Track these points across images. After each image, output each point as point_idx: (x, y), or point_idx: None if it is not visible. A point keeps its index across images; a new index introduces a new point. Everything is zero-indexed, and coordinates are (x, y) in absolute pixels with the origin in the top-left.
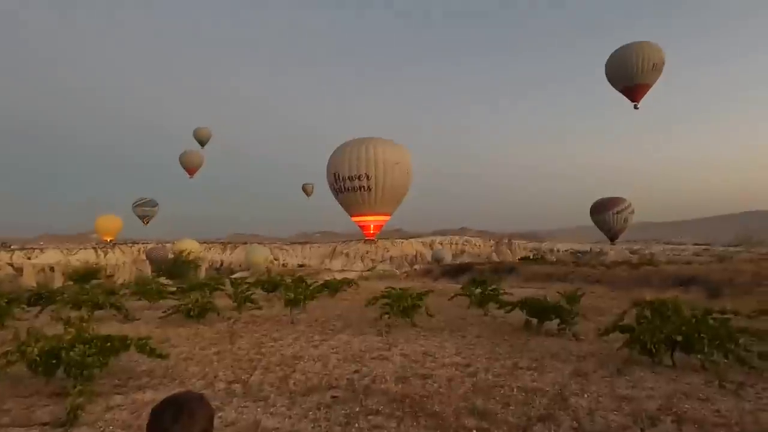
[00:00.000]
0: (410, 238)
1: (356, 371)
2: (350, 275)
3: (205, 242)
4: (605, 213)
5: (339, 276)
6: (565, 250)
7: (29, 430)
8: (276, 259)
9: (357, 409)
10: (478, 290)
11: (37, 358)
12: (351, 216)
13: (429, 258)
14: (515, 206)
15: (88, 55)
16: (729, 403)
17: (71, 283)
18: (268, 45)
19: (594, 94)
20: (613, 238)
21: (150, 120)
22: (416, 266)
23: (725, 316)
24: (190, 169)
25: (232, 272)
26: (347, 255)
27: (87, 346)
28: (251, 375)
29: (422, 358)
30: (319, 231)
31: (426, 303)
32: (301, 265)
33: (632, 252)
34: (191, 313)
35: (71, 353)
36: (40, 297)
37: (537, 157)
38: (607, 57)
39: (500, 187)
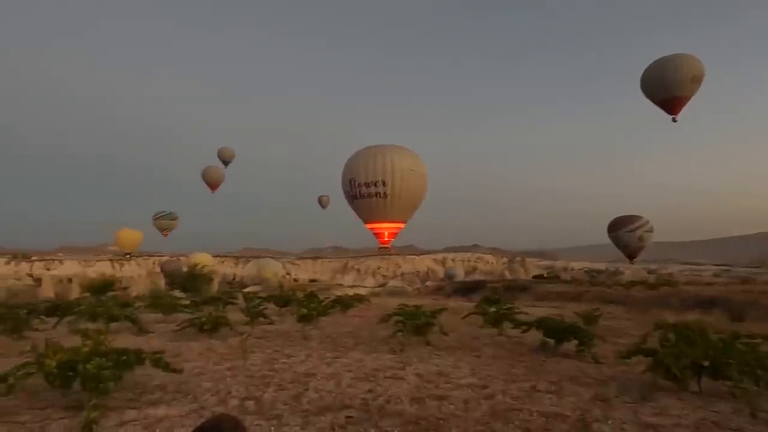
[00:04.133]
0: (422, 254)
1: (370, 390)
2: (361, 291)
3: (218, 256)
4: (620, 230)
5: (350, 291)
6: (580, 269)
7: None
8: (288, 274)
9: (372, 431)
10: (493, 309)
11: (55, 371)
12: (365, 223)
13: (441, 275)
14: (528, 223)
15: (106, 68)
16: None
17: (87, 294)
18: (281, 62)
19: (613, 111)
20: (630, 256)
21: (170, 135)
22: (428, 283)
23: (755, 340)
24: (212, 184)
25: (245, 286)
26: (358, 270)
27: (103, 359)
28: (264, 392)
29: (437, 378)
30: (331, 246)
31: (439, 321)
32: (312, 280)
33: (649, 272)
34: (204, 327)
35: (88, 366)
36: (58, 308)
37: (552, 173)
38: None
39: (513, 204)
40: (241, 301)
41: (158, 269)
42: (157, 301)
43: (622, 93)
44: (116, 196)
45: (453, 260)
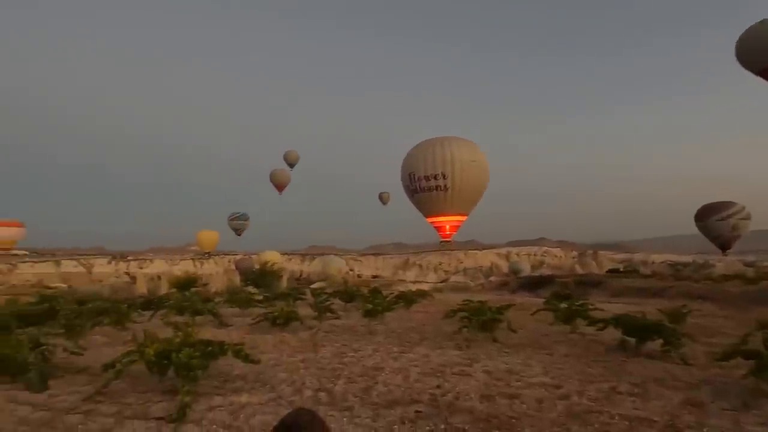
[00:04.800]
0: (484, 249)
1: (438, 386)
2: (423, 287)
3: (285, 253)
4: (710, 219)
5: (412, 287)
6: (662, 262)
7: (147, 423)
8: (351, 270)
9: (442, 427)
10: (564, 305)
11: (153, 359)
12: (426, 217)
13: (505, 270)
14: (600, 214)
15: (182, 72)
16: None
17: (174, 290)
18: (341, 62)
19: (700, 85)
20: (723, 247)
21: (239, 138)
22: (491, 278)
23: None
24: (279, 186)
25: (311, 282)
26: (420, 266)
27: (192, 349)
28: (335, 384)
29: (506, 376)
30: (392, 242)
31: (507, 317)
32: (374, 276)
33: (747, 264)
34: (277, 321)
35: (180, 355)
36: (151, 303)
37: (627, 158)
38: (732, 38)
39: (582, 193)
40: (309, 296)
41: (233, 267)
42: (234, 297)
43: (717, 69)
44: (194, 200)
45: (518, 254)
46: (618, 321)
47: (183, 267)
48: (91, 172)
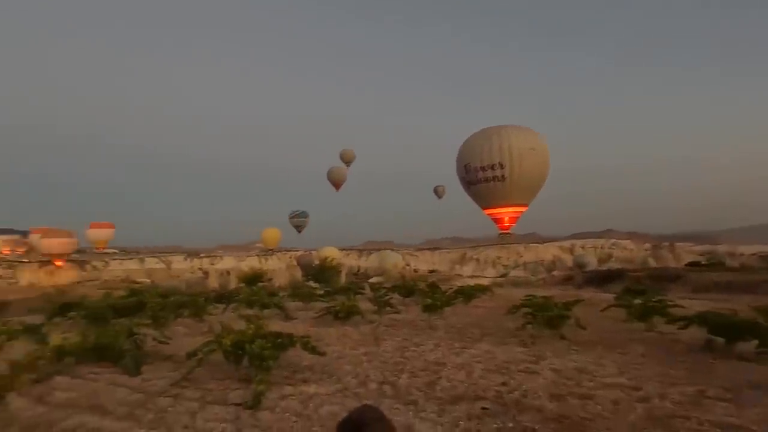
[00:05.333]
0: (546, 242)
1: (503, 383)
2: (482, 281)
3: (343, 249)
4: None
5: (470, 282)
6: (752, 254)
7: (226, 409)
8: (407, 265)
9: (510, 425)
10: (638, 301)
11: (229, 348)
12: (483, 209)
13: (569, 264)
14: (677, 202)
15: (248, 75)
16: None
17: (243, 285)
18: (390, 56)
19: None
20: None
21: (297, 137)
22: (554, 273)
23: None
24: (336, 183)
25: (368, 277)
26: (478, 260)
27: (264, 340)
28: (399, 378)
29: (577, 375)
30: (448, 237)
31: (574, 313)
32: (431, 271)
33: None
34: (339, 315)
35: (253, 346)
36: (223, 297)
37: (707, 138)
38: None
39: (655, 180)
40: (368, 291)
41: (294, 263)
42: (297, 291)
43: None
44: (257, 198)
45: (583, 247)
46: (703, 319)
47: (249, 263)
48: (166, 175)
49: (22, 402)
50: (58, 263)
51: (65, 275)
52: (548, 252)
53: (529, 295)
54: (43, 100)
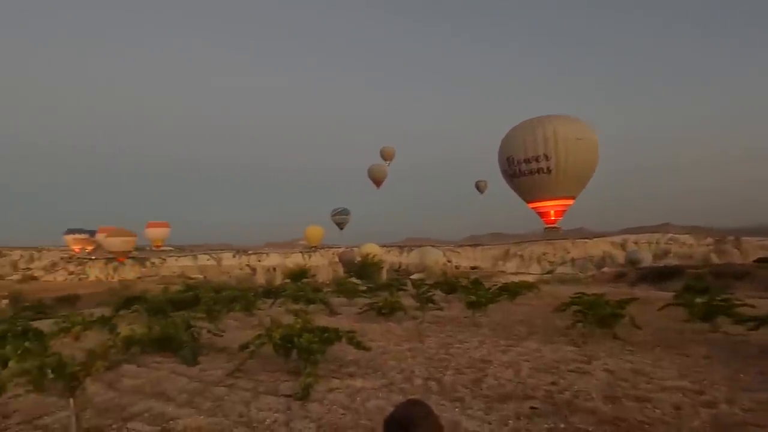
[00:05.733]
0: (595, 237)
1: (553, 383)
2: (526, 278)
3: (384, 246)
4: None
5: (514, 279)
6: None
7: (277, 399)
8: (449, 261)
9: (562, 426)
10: (701, 299)
11: (279, 342)
12: (527, 203)
13: (621, 260)
14: (742, 193)
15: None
16: None
17: (288, 281)
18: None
19: None
20: None
21: (337, 136)
22: (604, 269)
23: None
24: (377, 180)
25: (409, 273)
26: (521, 257)
27: (311, 334)
28: (444, 374)
29: (632, 376)
30: (490, 233)
31: (629, 312)
32: (473, 268)
33: None
34: (382, 311)
35: (301, 340)
36: (270, 292)
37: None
38: None
39: (716, 170)
40: (410, 287)
41: (336, 259)
42: (341, 287)
43: None
44: (301, 198)
45: (636, 243)
46: None
47: (293, 260)
48: (216, 177)
49: (96, 387)
50: (121, 260)
51: (128, 271)
52: (598, 248)
53: (579, 293)
54: (110, 119)
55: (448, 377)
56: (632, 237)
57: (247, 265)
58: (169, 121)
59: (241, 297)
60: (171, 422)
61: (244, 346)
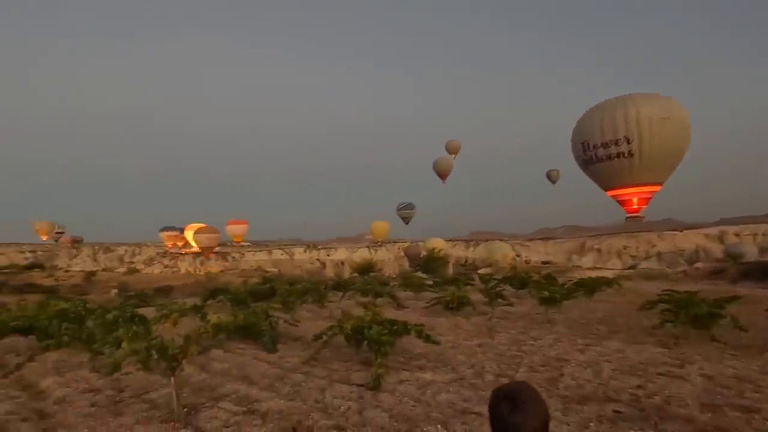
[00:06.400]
0: (686, 228)
1: (640, 386)
2: (605, 274)
3: (449, 240)
4: None
5: (591, 274)
6: None
7: (350, 388)
8: (518, 256)
9: None
10: None
11: (350, 333)
12: (606, 190)
13: (718, 254)
14: None
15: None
16: None
17: (356, 274)
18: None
19: None
20: None
21: (402, 131)
22: (697, 265)
23: None
24: (442, 174)
25: (476, 268)
26: (599, 251)
27: (380, 327)
28: (516, 372)
29: (736, 384)
30: (563, 225)
31: (730, 312)
32: (545, 262)
33: None
34: (450, 305)
35: (371, 332)
36: (339, 285)
37: None
38: None
39: None
40: (477, 282)
41: (402, 253)
42: (408, 281)
43: None
44: (367, 193)
45: (737, 234)
46: None
47: (360, 254)
48: (282, 175)
49: (190, 369)
50: (207, 255)
51: (213, 265)
52: (689, 240)
53: (668, 290)
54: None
55: (521, 375)
56: (732, 228)
57: (317, 260)
58: (254, 135)
59: (313, 289)
60: (255, 404)
61: (318, 336)
